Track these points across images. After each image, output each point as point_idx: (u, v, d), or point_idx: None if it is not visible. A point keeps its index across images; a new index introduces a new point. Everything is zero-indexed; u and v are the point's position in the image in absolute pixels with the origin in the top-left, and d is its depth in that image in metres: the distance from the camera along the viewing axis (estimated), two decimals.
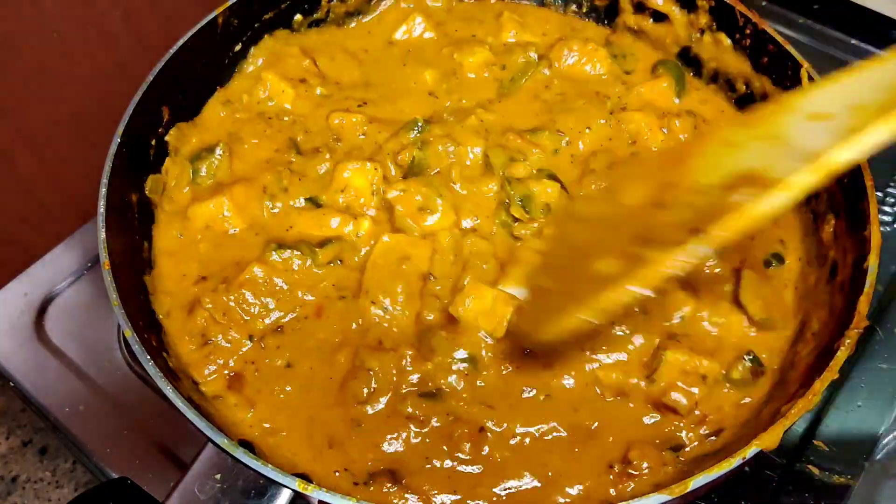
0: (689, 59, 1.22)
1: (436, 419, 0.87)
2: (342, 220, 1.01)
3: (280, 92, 1.16)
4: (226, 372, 0.91)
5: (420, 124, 1.09)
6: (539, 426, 0.87)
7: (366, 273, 0.96)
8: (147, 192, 1.03)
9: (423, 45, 1.25)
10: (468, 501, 0.82)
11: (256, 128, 1.12)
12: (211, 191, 1.05)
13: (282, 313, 0.95)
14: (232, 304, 0.94)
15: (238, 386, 0.90)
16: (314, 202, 1.04)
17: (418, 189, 1.01)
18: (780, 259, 1.00)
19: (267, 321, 0.95)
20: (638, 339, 0.92)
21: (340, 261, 0.99)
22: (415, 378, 0.89)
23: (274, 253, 0.97)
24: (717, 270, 0.97)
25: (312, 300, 0.96)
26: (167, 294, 0.97)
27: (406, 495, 0.82)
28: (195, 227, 1.02)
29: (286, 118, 1.14)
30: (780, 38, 1.08)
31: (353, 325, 0.94)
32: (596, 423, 0.88)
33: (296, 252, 0.97)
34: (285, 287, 0.96)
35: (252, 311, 0.94)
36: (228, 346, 0.92)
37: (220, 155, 1.07)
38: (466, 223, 1.02)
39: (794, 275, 0.99)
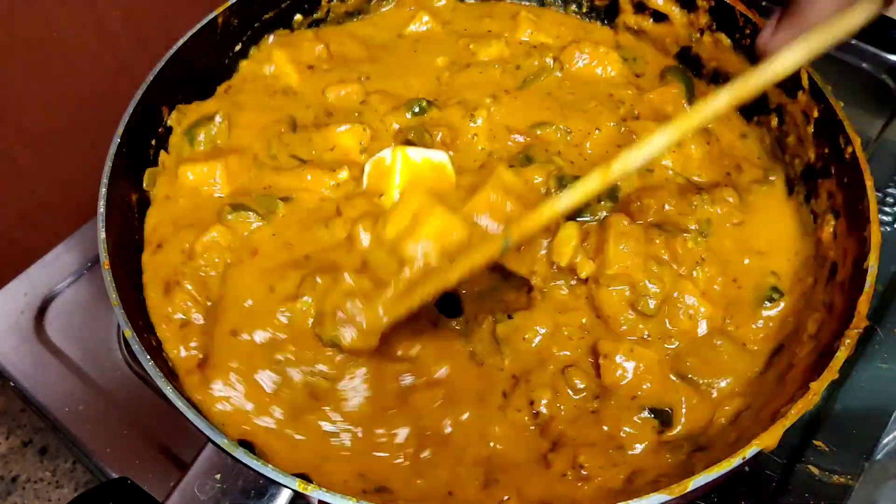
0: (688, 59, 1.22)
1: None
2: (319, 173, 1.03)
3: (285, 73, 1.17)
4: (195, 352, 0.91)
5: (423, 104, 1.10)
6: None
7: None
8: (144, 186, 1.03)
9: (434, 37, 1.26)
10: None
11: (259, 100, 1.14)
12: (206, 155, 1.06)
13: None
14: (202, 273, 0.95)
15: (205, 366, 0.89)
16: (298, 159, 1.06)
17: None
18: (778, 292, 0.96)
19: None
20: None
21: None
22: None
23: (230, 215, 0.98)
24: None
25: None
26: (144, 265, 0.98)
27: None
28: (182, 186, 1.03)
29: (289, 94, 1.16)
30: None
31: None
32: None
33: (251, 212, 0.98)
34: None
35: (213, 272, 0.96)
36: (201, 323, 0.93)
37: (219, 122, 1.07)
38: None
39: (787, 310, 0.95)
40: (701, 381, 0.89)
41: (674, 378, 0.90)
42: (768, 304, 0.95)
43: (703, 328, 0.93)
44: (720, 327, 0.93)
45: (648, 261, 0.94)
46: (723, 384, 0.89)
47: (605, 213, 1.00)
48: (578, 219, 1.00)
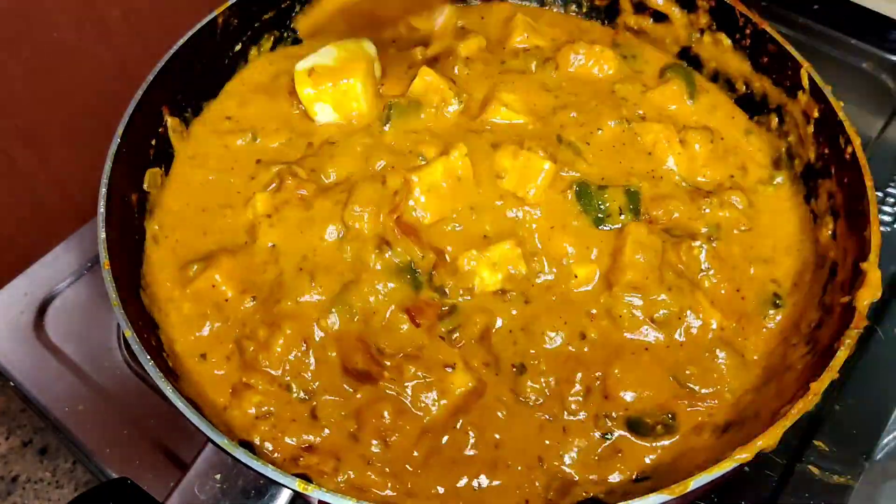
0: (689, 59, 1.22)
1: None
2: None
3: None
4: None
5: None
6: None
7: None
8: (146, 188, 1.03)
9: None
10: None
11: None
12: (199, 270, 0.97)
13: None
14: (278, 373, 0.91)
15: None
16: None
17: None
18: (779, 298, 0.97)
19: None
20: None
21: None
22: None
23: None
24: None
25: None
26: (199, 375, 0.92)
27: None
28: (202, 302, 0.96)
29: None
30: (780, 38, 1.08)
31: None
32: None
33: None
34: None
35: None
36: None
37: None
38: None
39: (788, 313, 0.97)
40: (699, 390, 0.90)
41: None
42: (771, 313, 0.96)
43: (709, 338, 0.94)
44: (728, 338, 0.94)
45: (665, 271, 0.95)
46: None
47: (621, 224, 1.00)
48: (600, 227, 1.00)
